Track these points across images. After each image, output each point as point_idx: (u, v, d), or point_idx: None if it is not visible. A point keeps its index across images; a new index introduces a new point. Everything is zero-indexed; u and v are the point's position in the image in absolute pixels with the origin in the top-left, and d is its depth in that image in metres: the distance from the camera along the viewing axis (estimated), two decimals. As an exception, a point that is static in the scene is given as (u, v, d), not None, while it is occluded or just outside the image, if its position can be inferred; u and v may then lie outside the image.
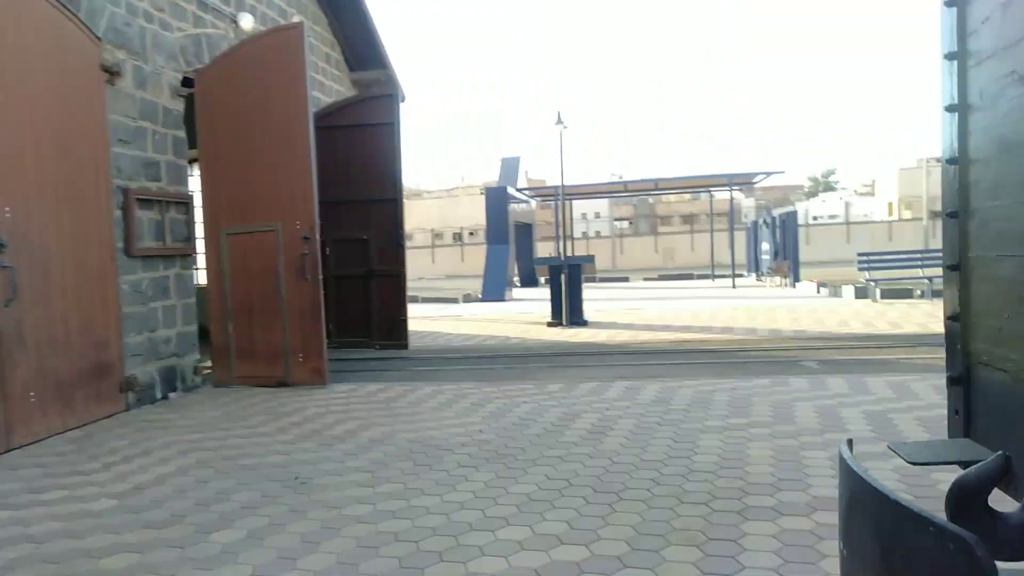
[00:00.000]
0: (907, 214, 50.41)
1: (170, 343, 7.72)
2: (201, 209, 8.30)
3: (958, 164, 2.51)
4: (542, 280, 25.61)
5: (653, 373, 8.10)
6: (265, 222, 7.98)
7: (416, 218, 55.24)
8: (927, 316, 11.57)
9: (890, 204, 56.83)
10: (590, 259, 13.81)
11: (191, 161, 9.00)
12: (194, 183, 8.91)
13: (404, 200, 11.18)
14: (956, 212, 2.56)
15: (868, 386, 6.51)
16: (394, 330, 10.92)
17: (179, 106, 7.99)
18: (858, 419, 5.39)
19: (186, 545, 3.62)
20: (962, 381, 2.59)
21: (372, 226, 10.86)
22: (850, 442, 1.86)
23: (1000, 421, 2.33)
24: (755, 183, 24.10)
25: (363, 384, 7.92)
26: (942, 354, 7.74)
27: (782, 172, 22.88)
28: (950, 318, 2.67)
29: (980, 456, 2.26)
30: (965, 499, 1.72)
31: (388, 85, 13.05)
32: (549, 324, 12.87)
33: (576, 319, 12.69)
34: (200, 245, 8.48)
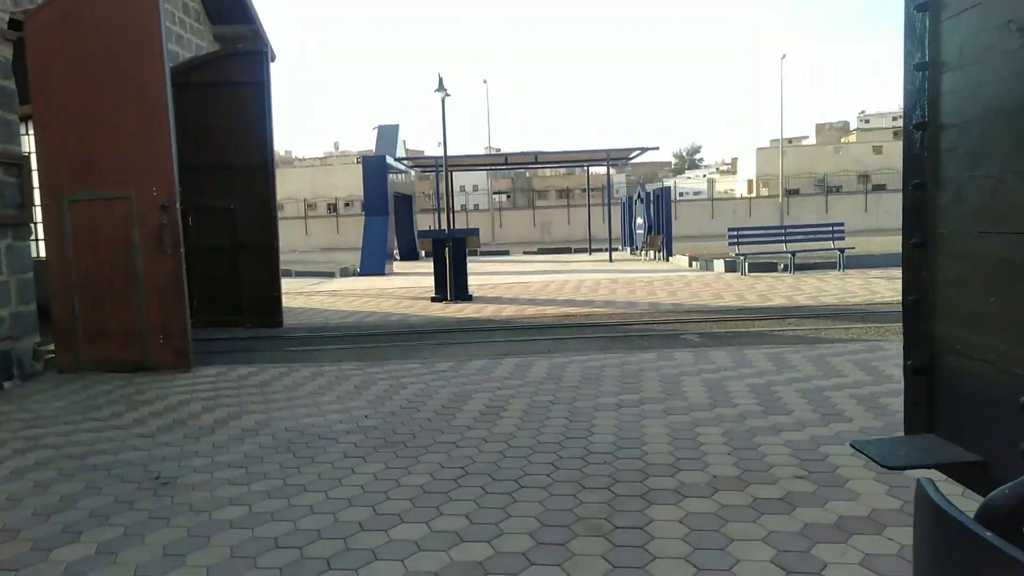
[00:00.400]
0: (764, 191, 53.66)
1: (2, 324, 6.76)
2: (37, 173, 7.30)
3: (927, 129, 2.24)
4: (423, 253, 25.15)
5: (541, 349, 8.01)
6: (117, 188, 7.13)
7: (287, 187, 52.77)
8: (791, 289, 12.22)
9: (749, 181, 60.22)
10: (475, 232, 13.57)
11: (24, 118, 7.91)
12: (30, 143, 7.83)
13: (275, 167, 10.44)
14: (923, 183, 2.28)
15: (749, 359, 6.69)
16: (267, 307, 10.23)
17: (6, 52, 6.93)
18: (744, 393, 5.49)
19: (20, 566, 3.08)
20: (925, 371, 2.36)
21: (240, 194, 10.06)
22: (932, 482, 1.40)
23: (976, 417, 2.11)
24: (631, 158, 24.67)
25: (233, 367, 7.31)
26: (811, 326, 8.09)
27: (657, 148, 23.56)
28: (913, 300, 2.40)
29: (958, 457, 2.13)
30: (994, 523, 1.27)
31: (256, 41, 12.09)
32: (433, 299, 12.54)
33: (461, 294, 12.44)
34: (39, 214, 7.48)
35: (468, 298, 12.50)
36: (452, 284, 12.44)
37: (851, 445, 2.56)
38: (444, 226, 23.76)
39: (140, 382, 6.68)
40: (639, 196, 23.90)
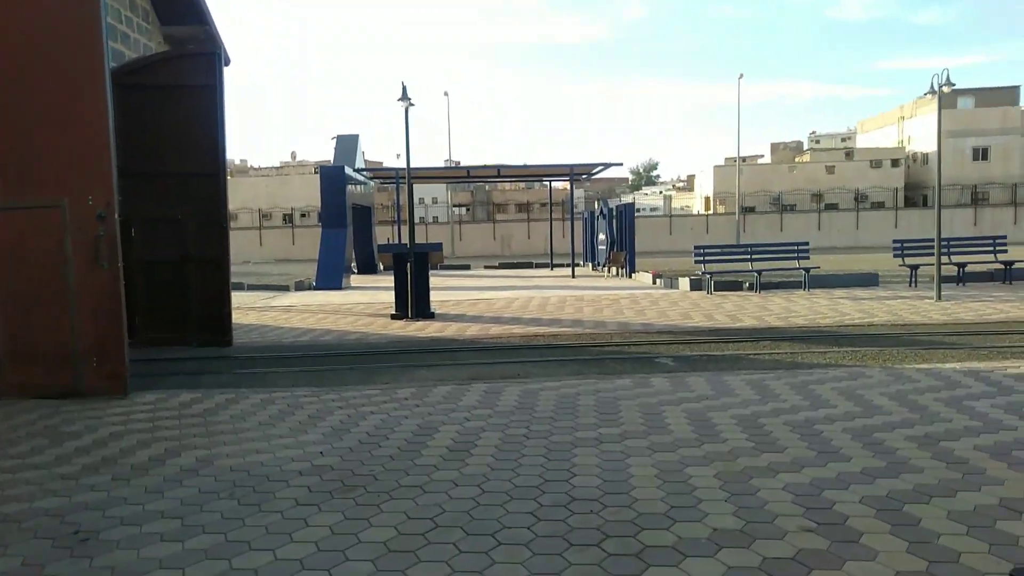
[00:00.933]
0: (721, 208, 54.30)
1: (-90, 346, 6.06)
2: (-44, 177, 6.60)
3: None
4: (381, 267, 24.53)
5: (510, 373, 7.58)
6: (48, 197, 6.49)
7: (241, 196, 51.47)
8: (760, 308, 12.04)
9: (706, 198, 60.93)
10: (438, 247, 13.11)
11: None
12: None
13: (228, 176, 9.84)
14: None
15: (730, 386, 6.36)
16: (215, 324, 9.59)
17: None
18: (731, 426, 5.14)
19: None
20: None
21: (188, 204, 9.43)
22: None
23: None
24: (595, 174, 24.52)
25: (175, 392, 6.70)
26: (786, 349, 7.82)
27: (620, 164, 23.43)
28: None
29: None
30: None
31: (208, 43, 11.49)
32: (393, 316, 12.02)
33: (423, 311, 11.94)
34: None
35: (430, 315, 12.02)
36: (413, 301, 11.94)
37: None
38: (403, 239, 23.20)
39: (69, 411, 6.04)
40: (601, 212, 23.72)
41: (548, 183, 29.09)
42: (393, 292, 12.29)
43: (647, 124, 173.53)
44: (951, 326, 9.87)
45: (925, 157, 51.18)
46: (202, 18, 11.82)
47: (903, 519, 3.47)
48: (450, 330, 10.65)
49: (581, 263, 27.03)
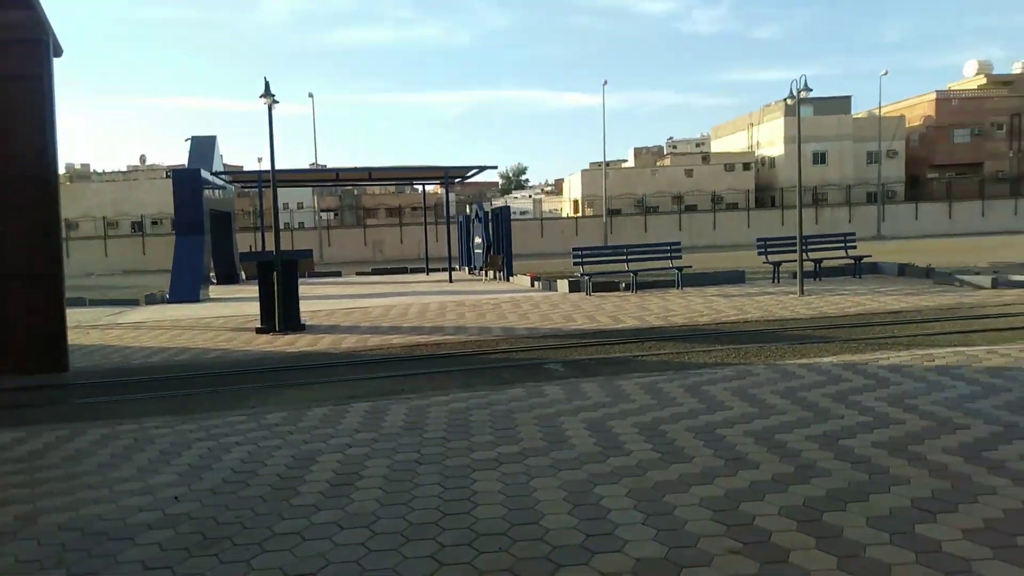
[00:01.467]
0: (589, 211, 55.72)
1: None
2: None
3: None
4: (244, 276, 23.00)
5: (393, 388, 7.04)
6: None
7: (83, 204, 47.07)
8: (639, 308, 12.12)
9: (575, 201, 62.37)
10: (307, 254, 12.32)
11: None
12: None
13: (63, 181, 8.63)
14: None
15: (624, 391, 6.16)
16: (46, 347, 8.38)
17: None
18: (634, 436, 4.89)
19: None
20: None
21: (10, 213, 8.17)
22: None
23: None
24: (469, 177, 24.19)
25: (-8, 433, 5.65)
26: (672, 349, 7.76)
27: (495, 167, 23.26)
28: None
29: None
30: None
31: (34, 29, 10.08)
32: (259, 330, 11.07)
33: (292, 323, 11.08)
34: None
35: (300, 328, 11.18)
36: (281, 312, 11.05)
37: None
38: (268, 246, 21.87)
39: None
40: (477, 215, 23.43)
41: (421, 186, 28.45)
42: (258, 303, 11.34)
43: (514, 130, 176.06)
44: (818, 320, 10.30)
45: (772, 161, 54.87)
46: (26, 1, 10.36)
47: (825, 531, 3.31)
48: (324, 343, 9.91)
49: (458, 267, 26.67)
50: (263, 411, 6.08)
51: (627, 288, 15.02)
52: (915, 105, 53.89)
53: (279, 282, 10.99)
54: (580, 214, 55.42)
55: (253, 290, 12.19)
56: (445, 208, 23.87)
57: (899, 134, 51.88)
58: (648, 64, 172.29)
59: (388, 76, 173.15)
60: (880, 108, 49.57)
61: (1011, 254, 21.16)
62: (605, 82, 42.94)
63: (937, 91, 53.15)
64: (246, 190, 37.79)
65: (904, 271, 16.02)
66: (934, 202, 48.77)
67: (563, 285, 15.86)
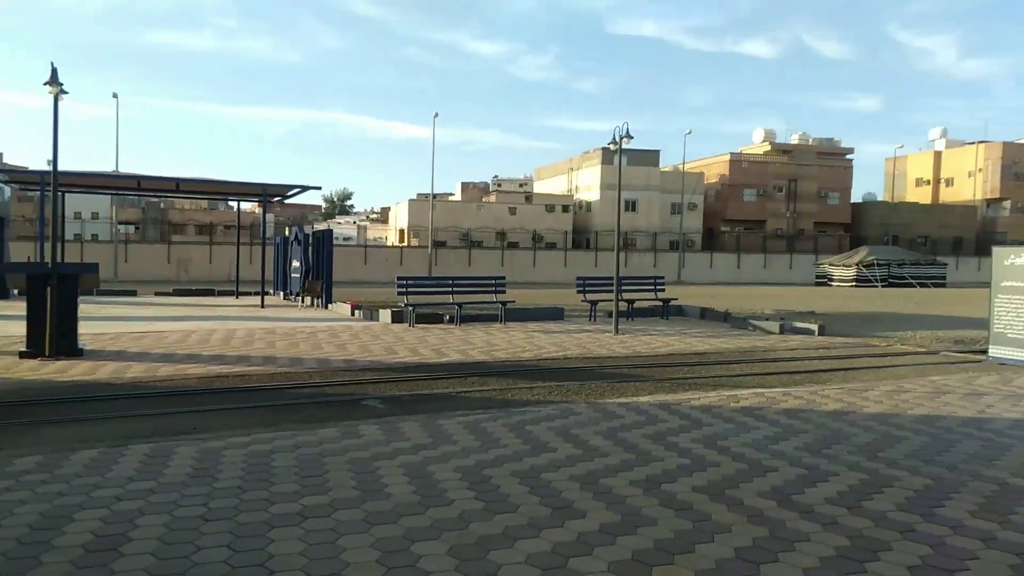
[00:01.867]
0: (415, 241, 55.46)
1: None
2: None
3: None
4: (15, 292, 19.96)
5: (182, 427, 6.16)
6: None
7: None
8: (462, 342, 11.89)
9: (401, 231, 61.86)
10: (92, 268, 10.74)
11: None
12: None
13: None
14: None
15: (447, 432, 5.80)
16: None
17: None
18: (456, 482, 4.54)
19: None
20: None
21: None
22: None
23: None
24: (289, 196, 22.92)
25: None
26: (495, 385, 7.55)
27: (319, 188, 22.23)
28: None
29: None
30: None
31: None
32: (24, 354, 9.44)
33: (68, 347, 9.57)
34: None
35: (78, 353, 9.70)
36: (54, 333, 9.52)
37: None
38: (48, 258, 19.17)
39: None
40: (296, 237, 22.21)
41: (236, 203, 26.58)
42: (26, 323, 9.70)
43: (342, 154, 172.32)
44: (633, 359, 10.63)
45: (589, 205, 58.00)
46: None
47: (655, 587, 3.14)
48: (104, 371, 8.63)
49: (272, 292, 25.09)
50: (12, 454, 5.01)
51: (451, 320, 14.78)
52: (713, 164, 59.64)
53: (53, 298, 9.49)
54: (406, 243, 54.93)
55: (23, 307, 10.44)
56: (262, 228, 22.42)
57: (699, 189, 56.98)
58: (477, 103, 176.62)
59: (207, 85, 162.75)
60: (684, 164, 54.25)
61: (790, 303, 23.62)
62: (436, 115, 43.17)
63: (731, 153, 59.28)
64: (27, 192, 33.32)
65: (705, 314, 17.23)
66: (726, 252, 53.84)
67: (385, 315, 15.31)
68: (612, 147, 13.44)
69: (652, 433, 5.87)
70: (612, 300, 14.52)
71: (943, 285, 42.94)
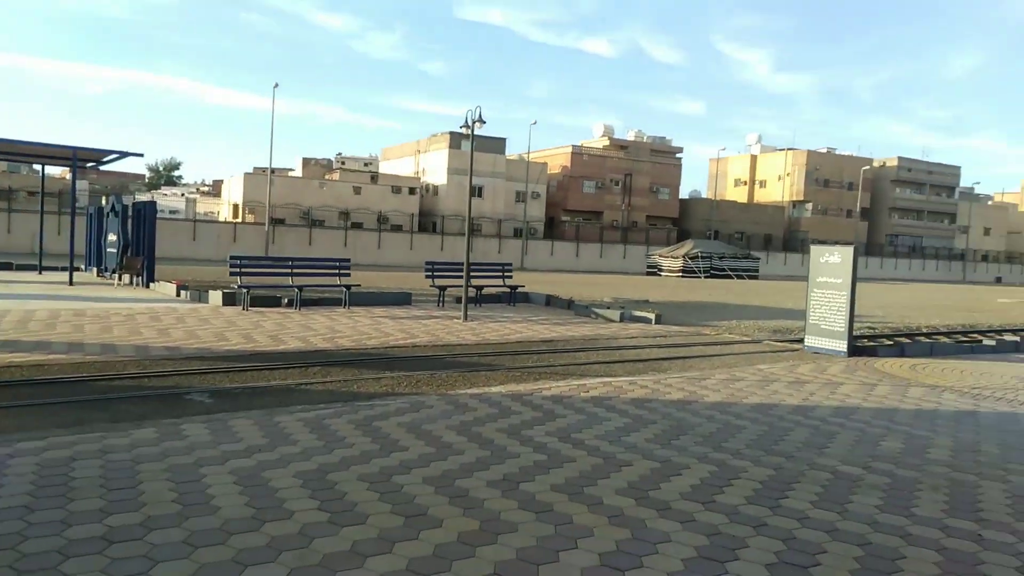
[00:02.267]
0: (251, 218, 52.27)
1: None
2: None
3: None
4: None
5: (-43, 430, 5.15)
6: None
7: None
8: (303, 328, 11.15)
9: (235, 206, 58.12)
10: None
11: None
12: None
13: None
14: None
15: (286, 431, 5.27)
16: None
17: None
18: (297, 490, 4.07)
19: None
20: None
21: None
22: None
23: None
24: (105, 162, 20.53)
25: None
26: (339, 376, 7.07)
27: (141, 155, 20.08)
28: None
29: None
30: None
31: None
32: None
33: None
34: None
35: None
36: None
37: None
38: None
39: None
40: (113, 208, 19.96)
41: (41, 167, 23.47)
42: None
43: (169, 121, 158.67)
44: (483, 346, 10.46)
45: (436, 188, 57.48)
46: None
47: (521, 604, 2.91)
48: None
49: (84, 268, 22.48)
50: None
51: (290, 304, 13.88)
52: (556, 155, 61.19)
53: None
54: (240, 220, 51.57)
55: None
56: (71, 196, 19.96)
57: (542, 179, 58.28)
58: (322, 77, 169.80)
59: (9, 34, 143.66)
60: (528, 154, 55.18)
61: (626, 291, 24.66)
62: (276, 84, 40.87)
63: (573, 146, 61.05)
64: None
65: (550, 302, 17.48)
66: (566, 241, 55.54)
67: (216, 296, 14.10)
68: (464, 131, 13.15)
69: (507, 427, 5.68)
70: (461, 286, 14.30)
71: (756, 277, 46.96)
